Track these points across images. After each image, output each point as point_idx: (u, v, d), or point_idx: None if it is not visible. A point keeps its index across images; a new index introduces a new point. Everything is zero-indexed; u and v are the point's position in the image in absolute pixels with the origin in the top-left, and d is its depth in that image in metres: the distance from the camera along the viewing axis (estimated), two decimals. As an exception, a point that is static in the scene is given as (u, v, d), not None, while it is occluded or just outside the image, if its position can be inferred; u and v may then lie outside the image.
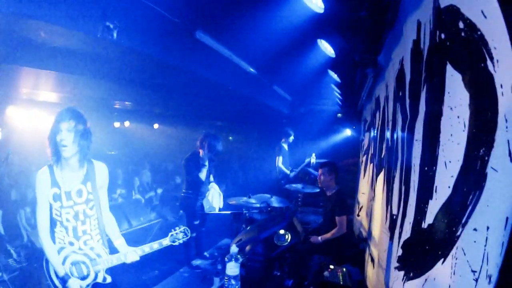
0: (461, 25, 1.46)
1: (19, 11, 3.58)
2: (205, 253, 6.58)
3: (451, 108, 1.65)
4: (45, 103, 8.32)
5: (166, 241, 3.12)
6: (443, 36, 1.76)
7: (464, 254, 1.38)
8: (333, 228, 4.97)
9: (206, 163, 6.04)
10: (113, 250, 3.07)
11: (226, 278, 3.19)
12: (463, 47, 1.47)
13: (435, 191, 1.84)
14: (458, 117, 1.54)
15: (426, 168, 2.04)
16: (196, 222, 6.09)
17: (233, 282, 3.16)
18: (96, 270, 2.93)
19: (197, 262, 6.29)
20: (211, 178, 6.31)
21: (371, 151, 5.49)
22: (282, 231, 4.70)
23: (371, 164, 5.24)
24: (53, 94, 7.72)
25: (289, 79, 7.68)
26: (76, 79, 6.40)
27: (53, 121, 2.79)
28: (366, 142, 6.72)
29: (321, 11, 3.71)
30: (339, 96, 7.72)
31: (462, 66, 1.50)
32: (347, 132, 10.14)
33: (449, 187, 1.62)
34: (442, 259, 1.61)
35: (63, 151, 2.76)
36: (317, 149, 9.26)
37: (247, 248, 4.49)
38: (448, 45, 1.68)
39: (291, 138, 8.89)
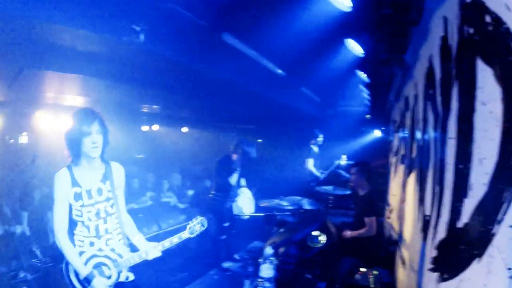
0: (487, 19, 1.44)
1: (43, 16, 3.59)
2: (235, 256, 6.61)
3: (483, 104, 1.62)
4: (71, 107, 8.31)
5: (185, 234, 3.08)
6: (471, 31, 1.73)
7: (500, 252, 1.35)
8: (362, 228, 4.92)
9: (238, 168, 6.09)
10: (134, 249, 3.08)
11: (259, 280, 3.19)
12: (491, 41, 1.45)
13: (470, 189, 1.80)
14: (491, 112, 1.51)
15: (460, 166, 2.00)
16: (226, 224, 6.15)
17: (267, 284, 3.14)
18: (118, 270, 2.96)
19: (227, 264, 6.32)
20: (243, 183, 6.36)
21: (402, 151, 5.39)
22: (315, 233, 4.67)
23: (402, 165, 5.14)
24: (79, 98, 7.75)
25: (317, 80, 7.52)
26: (102, 83, 6.38)
27: (75, 122, 2.81)
28: (395, 143, 6.59)
29: (349, 9, 3.68)
30: (367, 97, 7.60)
31: (492, 61, 1.47)
32: (376, 133, 9.96)
33: (484, 184, 1.59)
34: (478, 258, 1.57)
35: (92, 152, 2.82)
36: (346, 150, 9.14)
37: (281, 250, 4.49)
38: (477, 40, 1.66)
39: (320, 139, 8.82)
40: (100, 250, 2.93)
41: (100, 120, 2.86)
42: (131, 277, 3.02)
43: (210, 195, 6.25)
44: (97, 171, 2.99)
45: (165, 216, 7.71)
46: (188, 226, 3.10)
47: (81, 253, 2.88)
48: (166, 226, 7.48)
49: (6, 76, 5.52)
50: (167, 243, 3.02)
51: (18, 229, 6.47)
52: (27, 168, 7.94)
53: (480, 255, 1.55)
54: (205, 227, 3.16)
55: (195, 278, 5.82)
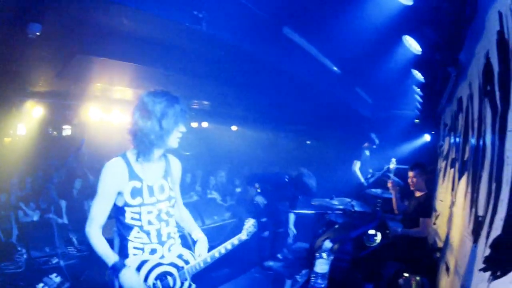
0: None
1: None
2: (278, 255, 6.58)
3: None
4: (119, 100, 8.35)
5: (243, 236, 2.88)
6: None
7: None
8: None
9: (290, 194, 6.21)
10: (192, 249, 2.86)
11: (313, 276, 3.10)
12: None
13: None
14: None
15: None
16: (271, 224, 6.21)
17: (319, 281, 3.02)
18: (183, 279, 2.65)
19: (269, 263, 6.31)
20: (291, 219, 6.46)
21: (452, 155, 5.21)
22: (372, 231, 4.59)
23: (452, 169, 4.97)
24: (128, 90, 7.54)
25: (372, 81, 7.30)
26: (154, 73, 6.08)
27: (166, 107, 2.42)
28: (446, 147, 6.36)
29: (410, 2, 3.53)
30: (419, 99, 7.34)
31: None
32: (425, 138, 9.61)
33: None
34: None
35: (176, 143, 2.51)
36: (395, 154, 8.86)
37: (335, 246, 4.41)
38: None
39: (375, 146, 8.62)
40: (162, 257, 2.59)
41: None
42: (193, 286, 2.72)
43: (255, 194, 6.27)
44: (159, 164, 2.59)
45: (211, 212, 7.83)
46: (244, 228, 2.92)
47: (142, 263, 2.49)
48: (210, 222, 7.61)
49: (55, 63, 5.21)
50: (229, 246, 2.78)
51: (55, 217, 6.59)
52: (69, 158, 8.17)
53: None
54: (257, 229, 3.01)
55: (236, 275, 5.83)
